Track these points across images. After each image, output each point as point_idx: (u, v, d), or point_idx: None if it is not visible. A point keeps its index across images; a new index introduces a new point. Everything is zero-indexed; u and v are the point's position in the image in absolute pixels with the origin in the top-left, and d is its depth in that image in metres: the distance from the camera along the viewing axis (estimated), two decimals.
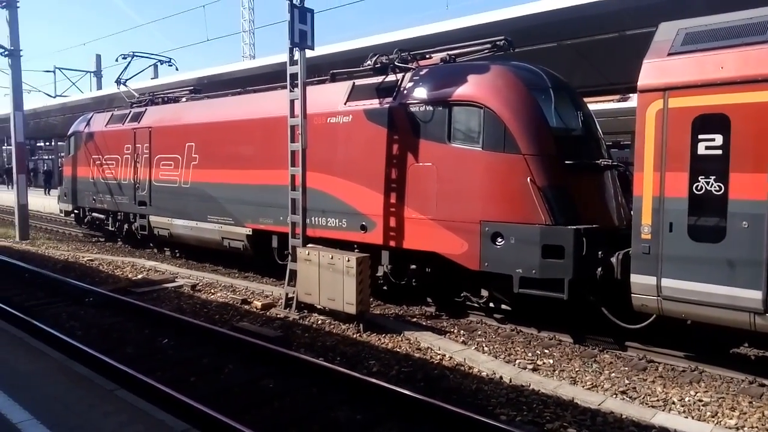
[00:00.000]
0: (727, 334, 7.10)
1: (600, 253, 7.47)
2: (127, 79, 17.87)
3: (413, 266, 9.32)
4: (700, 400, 6.11)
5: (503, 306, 8.98)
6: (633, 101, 24.58)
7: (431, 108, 8.85)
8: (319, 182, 10.14)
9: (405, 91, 9.26)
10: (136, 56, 17.36)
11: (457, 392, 6.25)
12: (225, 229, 12.36)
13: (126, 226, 16.17)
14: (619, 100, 22.39)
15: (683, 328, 7.53)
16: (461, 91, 8.61)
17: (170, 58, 18.34)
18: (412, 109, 9.05)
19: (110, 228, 17.06)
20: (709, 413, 5.82)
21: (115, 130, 16.10)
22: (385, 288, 9.99)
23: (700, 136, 6.37)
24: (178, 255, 15.25)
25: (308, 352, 7.48)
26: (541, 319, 8.64)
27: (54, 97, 31.16)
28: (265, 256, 11.78)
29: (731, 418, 5.70)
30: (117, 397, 4.80)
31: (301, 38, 9.18)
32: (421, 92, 9.07)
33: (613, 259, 7.39)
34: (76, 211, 18.67)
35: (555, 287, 7.57)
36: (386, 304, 10.07)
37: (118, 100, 19.88)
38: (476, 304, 9.19)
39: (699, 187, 6.39)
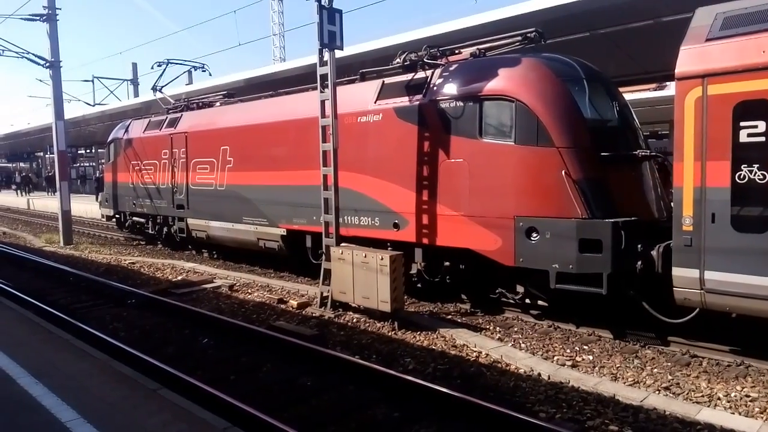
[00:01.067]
0: None
1: (639, 246, 7.30)
2: (162, 86, 18.28)
3: (447, 263, 9.28)
4: (747, 396, 5.92)
5: (540, 302, 8.86)
6: (670, 89, 23.93)
7: (462, 103, 8.78)
8: (351, 181, 10.19)
9: (435, 88, 9.21)
10: (171, 63, 17.74)
11: (494, 389, 6.20)
12: (260, 230, 12.54)
13: (165, 229, 16.57)
14: (655, 89, 21.82)
15: (727, 322, 7.31)
16: (492, 86, 8.52)
17: (203, 64, 18.66)
18: (443, 105, 9.00)
19: (150, 231, 17.50)
20: (757, 409, 5.63)
21: (153, 135, 16.51)
22: (419, 285, 9.97)
23: (742, 124, 6.14)
24: (215, 256, 15.54)
25: (344, 350, 7.54)
26: (580, 314, 8.48)
27: (93, 106, 32.13)
28: (300, 255, 11.90)
29: None
30: (160, 396, 4.92)
31: (330, 39, 9.24)
32: (451, 88, 9.01)
33: (654, 252, 7.21)
34: (117, 216, 19.22)
35: (593, 282, 7.42)
36: (420, 301, 10.05)
37: (155, 106, 20.33)
38: (512, 301, 9.09)
39: (742, 176, 6.17)
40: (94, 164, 47.09)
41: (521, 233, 8.05)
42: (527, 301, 8.95)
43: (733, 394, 5.97)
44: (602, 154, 7.85)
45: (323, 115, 9.70)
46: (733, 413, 5.55)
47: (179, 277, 12.79)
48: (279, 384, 6.44)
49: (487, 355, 7.33)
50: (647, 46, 11.93)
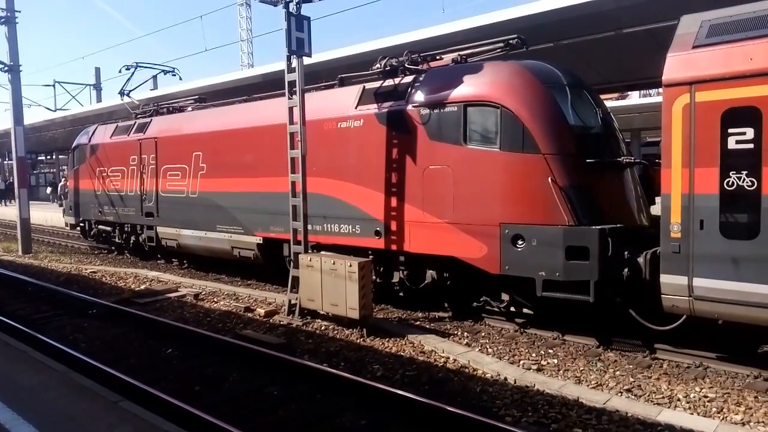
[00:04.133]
0: (749, 333, 6.96)
1: (626, 253, 7.26)
2: (130, 91, 17.91)
3: (430, 271, 9.18)
4: (706, 396, 6.09)
5: (525, 310, 8.76)
6: (632, 99, 24.58)
7: (445, 109, 8.69)
8: (331, 188, 10.07)
9: (417, 93, 9.14)
10: (140, 67, 17.37)
11: (462, 394, 6.24)
12: (235, 239, 12.27)
13: (133, 238, 16.13)
14: (618, 98, 22.38)
15: (703, 329, 7.39)
16: (476, 91, 8.46)
17: (174, 68, 18.33)
18: (425, 111, 8.91)
19: (117, 240, 17.05)
20: (714, 409, 5.79)
21: (120, 141, 16.10)
22: (401, 294, 9.84)
23: (730, 130, 6.15)
24: (185, 265, 15.22)
25: (312, 358, 7.49)
26: (566, 323, 8.43)
27: (54, 111, 31.26)
28: (276, 264, 11.67)
29: (737, 414, 5.68)
30: (121, 409, 4.80)
31: (298, 46, 9.23)
32: (434, 93, 8.91)
33: (641, 259, 7.16)
34: (81, 224, 18.66)
35: (580, 290, 7.38)
36: (389, 307, 10.04)
37: (119, 111, 19.90)
38: (496, 309, 8.99)
39: (730, 183, 6.17)
40: (54, 170, 45.71)
41: (507, 240, 7.98)
42: (512, 309, 8.84)
43: (692, 395, 6.13)
44: (587, 160, 7.80)
45: (291, 122, 9.65)
46: (692, 414, 5.69)
47: (142, 287, 12.53)
48: (245, 394, 6.36)
49: (455, 360, 7.37)
50: (609, 57, 12.22)
